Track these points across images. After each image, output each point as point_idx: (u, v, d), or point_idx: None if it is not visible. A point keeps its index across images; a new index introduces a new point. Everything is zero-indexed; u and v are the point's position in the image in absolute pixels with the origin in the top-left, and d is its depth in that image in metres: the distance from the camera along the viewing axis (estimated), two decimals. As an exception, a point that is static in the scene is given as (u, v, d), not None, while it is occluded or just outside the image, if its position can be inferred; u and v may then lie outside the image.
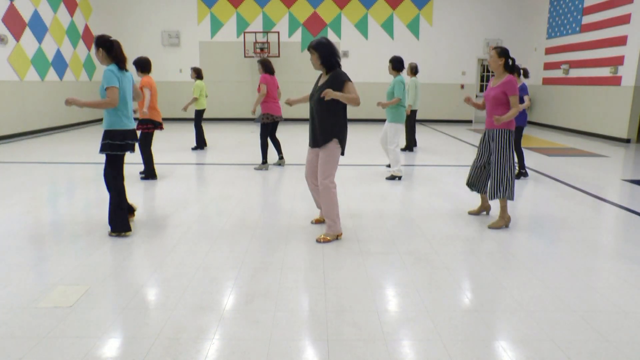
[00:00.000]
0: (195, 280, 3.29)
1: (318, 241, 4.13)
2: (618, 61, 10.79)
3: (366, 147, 9.73)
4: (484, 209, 5.01)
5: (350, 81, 3.99)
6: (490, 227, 4.57)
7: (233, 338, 2.56)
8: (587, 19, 12.03)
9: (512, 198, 4.50)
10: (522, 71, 6.79)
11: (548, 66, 14.02)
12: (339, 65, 4.07)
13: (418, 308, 2.92)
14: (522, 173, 6.97)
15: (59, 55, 12.13)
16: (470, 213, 5.05)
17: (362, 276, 3.38)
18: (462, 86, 15.24)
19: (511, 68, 4.44)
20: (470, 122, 15.42)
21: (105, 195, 5.38)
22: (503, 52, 4.42)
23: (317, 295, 3.07)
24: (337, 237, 4.23)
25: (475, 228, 4.52)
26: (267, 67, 7.17)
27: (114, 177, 4.16)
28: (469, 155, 8.86)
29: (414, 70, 9.15)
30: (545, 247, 4.02)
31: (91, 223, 4.56)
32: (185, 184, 6.25)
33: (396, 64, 6.58)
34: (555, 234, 4.37)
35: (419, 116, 14.89)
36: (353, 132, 12.24)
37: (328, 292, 3.13)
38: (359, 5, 14.66)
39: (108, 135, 4.12)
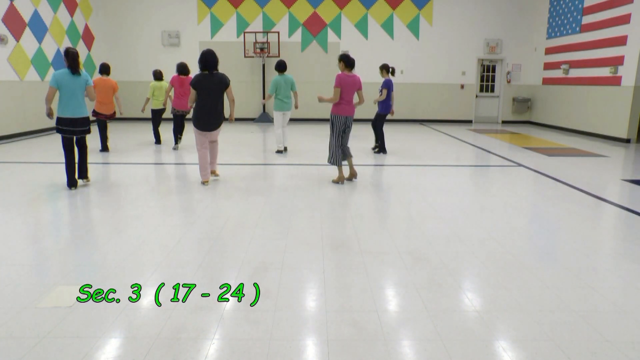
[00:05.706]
0: (195, 280, 3.29)
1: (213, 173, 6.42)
2: (618, 61, 10.79)
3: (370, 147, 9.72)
4: (353, 175, 6.41)
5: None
6: (353, 179, 6.38)
7: (233, 338, 2.56)
8: (587, 19, 12.03)
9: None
10: (390, 69, 8.59)
11: (548, 66, 14.02)
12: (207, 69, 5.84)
13: (418, 308, 2.92)
14: (383, 150, 8.81)
15: (59, 55, 12.12)
16: (347, 179, 6.40)
17: (362, 276, 3.39)
18: (462, 86, 15.23)
19: (349, 65, 5.90)
20: (470, 122, 15.42)
21: (104, 196, 5.55)
22: (340, 58, 5.97)
23: (317, 295, 3.07)
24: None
25: (476, 228, 4.53)
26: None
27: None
28: (468, 155, 8.86)
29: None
30: (545, 247, 4.02)
31: (91, 223, 4.56)
32: (185, 184, 6.25)
33: (276, 66, 8.26)
34: (555, 234, 4.37)
35: (419, 116, 15.09)
36: (360, 133, 12.24)
37: (328, 292, 3.13)
38: (359, 5, 14.66)
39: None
